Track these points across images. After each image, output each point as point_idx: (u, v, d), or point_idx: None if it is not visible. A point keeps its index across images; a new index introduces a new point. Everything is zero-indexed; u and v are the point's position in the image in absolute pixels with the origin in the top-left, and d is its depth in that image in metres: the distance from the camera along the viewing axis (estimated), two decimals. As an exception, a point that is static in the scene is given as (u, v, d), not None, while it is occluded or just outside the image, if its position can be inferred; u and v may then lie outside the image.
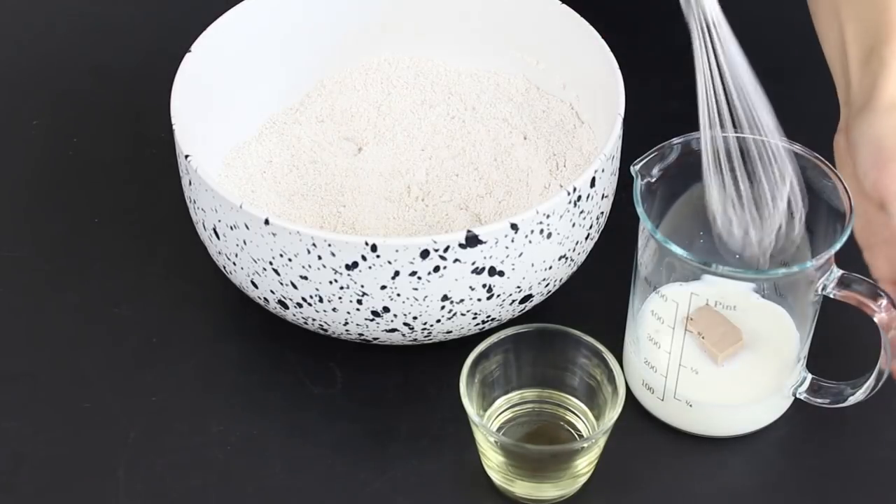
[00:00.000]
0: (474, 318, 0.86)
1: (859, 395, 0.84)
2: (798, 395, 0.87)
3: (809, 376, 0.86)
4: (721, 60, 0.75)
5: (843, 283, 0.81)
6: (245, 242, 0.84)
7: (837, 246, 0.79)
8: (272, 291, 0.86)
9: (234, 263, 0.87)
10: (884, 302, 0.80)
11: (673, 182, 0.83)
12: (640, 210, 0.81)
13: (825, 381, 0.86)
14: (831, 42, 0.92)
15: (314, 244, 0.81)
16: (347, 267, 0.82)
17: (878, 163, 0.82)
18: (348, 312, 0.85)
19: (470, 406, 0.82)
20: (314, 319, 0.86)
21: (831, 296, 0.81)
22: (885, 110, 0.84)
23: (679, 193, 0.84)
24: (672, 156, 0.83)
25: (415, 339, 0.87)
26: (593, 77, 0.93)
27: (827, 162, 0.83)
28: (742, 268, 0.81)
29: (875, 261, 0.83)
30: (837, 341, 0.89)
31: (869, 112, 0.84)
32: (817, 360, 0.87)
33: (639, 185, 0.81)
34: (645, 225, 0.81)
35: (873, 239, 0.84)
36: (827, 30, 0.92)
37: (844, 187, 0.81)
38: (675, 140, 0.83)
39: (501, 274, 0.84)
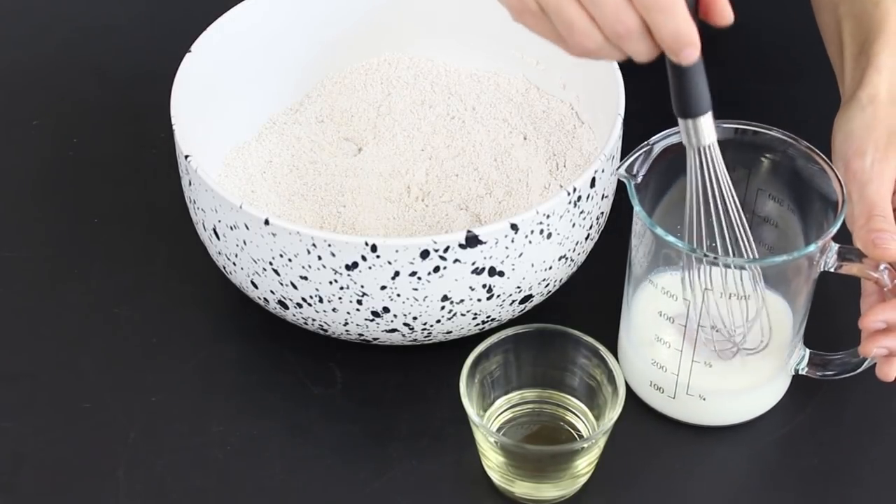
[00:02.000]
0: (474, 319, 0.86)
1: (867, 363, 0.85)
2: (800, 372, 0.87)
3: (808, 351, 0.87)
4: (713, 181, 0.79)
5: (842, 256, 0.82)
6: (245, 243, 0.84)
7: (836, 227, 0.80)
8: (272, 292, 0.86)
9: (234, 264, 0.87)
10: (885, 269, 0.81)
11: (660, 179, 0.84)
12: (637, 207, 0.81)
13: (827, 354, 0.87)
14: (831, 38, 0.93)
15: (314, 244, 0.81)
16: (347, 267, 0.82)
17: (847, 156, 0.85)
18: (348, 313, 0.85)
19: (470, 406, 0.82)
20: (314, 320, 0.86)
21: (832, 270, 0.83)
22: (863, 105, 0.86)
23: (666, 188, 0.84)
24: (653, 153, 0.83)
25: (415, 340, 0.87)
26: (593, 77, 0.93)
27: (818, 151, 0.84)
28: (746, 256, 0.82)
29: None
30: (829, 315, 0.89)
31: (850, 105, 0.87)
32: (814, 337, 0.88)
33: (632, 185, 0.82)
34: (644, 222, 0.81)
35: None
36: (827, 26, 0.94)
37: (835, 173, 0.83)
38: (653, 139, 0.83)
39: (501, 274, 0.84)
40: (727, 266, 0.81)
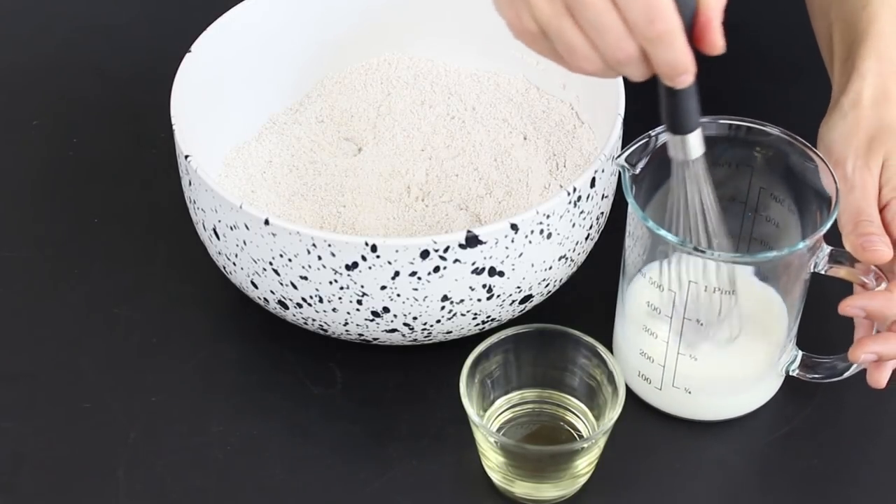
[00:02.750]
0: (474, 319, 0.86)
1: (854, 368, 0.85)
2: (791, 373, 0.88)
3: (800, 353, 0.88)
4: (695, 192, 0.81)
5: (833, 258, 0.83)
6: (245, 243, 0.84)
7: (826, 226, 0.81)
8: (272, 292, 0.86)
9: (234, 264, 0.87)
10: (872, 274, 0.82)
11: (655, 173, 0.84)
12: (630, 199, 0.81)
13: (817, 356, 0.87)
14: (824, 43, 0.94)
15: (314, 244, 0.81)
16: (347, 267, 0.82)
17: (830, 163, 0.85)
18: (348, 313, 0.85)
19: (470, 406, 0.82)
20: (314, 320, 0.86)
21: (822, 272, 0.83)
22: (845, 112, 0.87)
23: (661, 183, 0.85)
24: (652, 146, 0.83)
25: (415, 340, 0.87)
26: (593, 77, 0.93)
27: (815, 149, 0.85)
28: (738, 252, 0.83)
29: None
30: (825, 318, 0.89)
31: (833, 112, 0.88)
32: (807, 338, 0.88)
33: (627, 176, 0.82)
34: (636, 214, 0.82)
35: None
36: (821, 30, 0.95)
37: (830, 172, 0.83)
38: (654, 131, 0.84)
39: (501, 274, 0.84)
40: (716, 261, 0.81)
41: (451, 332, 0.87)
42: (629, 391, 0.88)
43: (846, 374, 0.86)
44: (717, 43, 0.73)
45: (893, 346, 0.82)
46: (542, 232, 0.84)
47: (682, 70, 0.72)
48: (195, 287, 0.96)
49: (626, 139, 0.88)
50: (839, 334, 0.87)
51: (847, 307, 0.82)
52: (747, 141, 0.86)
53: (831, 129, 0.88)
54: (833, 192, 0.82)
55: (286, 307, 0.87)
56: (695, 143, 0.78)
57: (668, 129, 0.78)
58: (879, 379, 0.85)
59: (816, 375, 0.87)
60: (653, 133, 0.83)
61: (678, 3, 0.71)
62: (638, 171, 0.82)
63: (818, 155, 0.84)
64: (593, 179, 0.85)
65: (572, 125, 0.97)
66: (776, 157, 0.85)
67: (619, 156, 0.82)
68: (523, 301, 0.87)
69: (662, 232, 0.80)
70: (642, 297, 0.86)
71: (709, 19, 0.72)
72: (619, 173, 0.83)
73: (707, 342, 0.85)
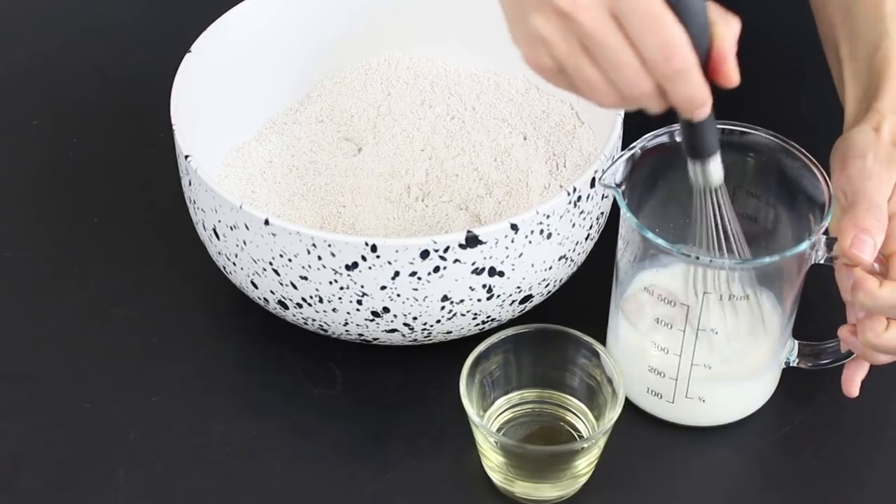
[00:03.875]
0: (474, 319, 0.86)
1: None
2: (791, 364, 0.88)
3: (796, 343, 0.88)
4: (719, 216, 0.81)
5: (830, 247, 0.83)
6: (245, 243, 0.84)
7: (825, 224, 0.81)
8: (272, 292, 0.86)
9: (234, 264, 0.87)
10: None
11: (645, 182, 0.84)
12: (627, 213, 0.81)
13: (818, 343, 0.88)
14: (837, 76, 0.94)
15: (314, 244, 0.82)
16: (347, 267, 0.82)
17: (846, 159, 0.85)
18: (348, 313, 0.85)
19: (470, 406, 0.82)
20: (314, 320, 0.86)
21: (822, 262, 0.83)
22: (865, 129, 0.87)
23: (652, 190, 0.85)
24: (635, 158, 0.83)
25: (415, 340, 0.87)
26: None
27: (809, 155, 0.85)
28: (741, 257, 0.83)
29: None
30: (821, 309, 0.89)
31: (851, 129, 0.88)
32: (807, 330, 0.89)
33: (619, 191, 0.82)
34: (635, 227, 0.81)
35: None
36: (832, 63, 0.95)
37: (821, 172, 0.83)
38: (635, 144, 0.84)
39: (501, 274, 0.84)
40: (721, 268, 0.81)
41: (451, 332, 0.87)
42: (635, 407, 0.88)
43: (853, 356, 0.86)
44: (732, 76, 0.73)
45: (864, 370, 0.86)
46: (542, 232, 0.84)
47: (699, 104, 0.73)
48: (195, 287, 0.96)
49: (627, 139, 0.88)
50: (836, 323, 0.87)
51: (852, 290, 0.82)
52: (738, 144, 0.85)
53: (849, 137, 0.86)
54: (826, 191, 0.82)
55: (286, 307, 0.87)
56: (714, 167, 0.78)
57: (686, 154, 0.78)
58: (851, 389, 0.87)
59: (821, 361, 0.87)
60: (633, 146, 0.84)
61: (693, 37, 0.71)
62: (624, 186, 0.82)
63: (808, 157, 0.84)
64: (593, 179, 0.85)
65: (572, 125, 0.97)
66: (765, 159, 0.86)
67: (602, 175, 0.82)
68: (523, 301, 0.87)
69: (660, 241, 0.80)
70: (648, 314, 0.85)
71: (724, 54, 0.72)
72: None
73: (720, 349, 0.85)
